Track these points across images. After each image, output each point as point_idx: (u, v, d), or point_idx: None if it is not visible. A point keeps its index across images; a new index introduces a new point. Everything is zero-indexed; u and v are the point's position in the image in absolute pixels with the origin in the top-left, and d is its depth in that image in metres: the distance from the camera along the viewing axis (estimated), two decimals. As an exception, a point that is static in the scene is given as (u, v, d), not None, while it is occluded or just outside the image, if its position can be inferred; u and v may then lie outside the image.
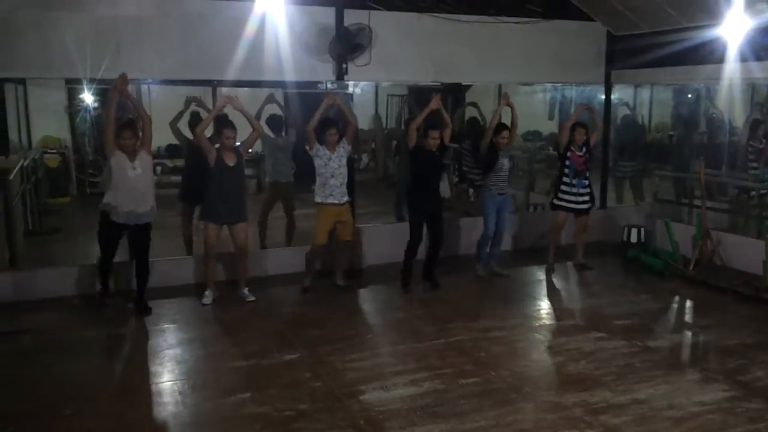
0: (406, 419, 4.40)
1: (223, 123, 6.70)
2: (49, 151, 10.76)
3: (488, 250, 7.82)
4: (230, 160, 6.58)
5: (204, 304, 6.66)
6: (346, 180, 7.05)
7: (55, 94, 12.02)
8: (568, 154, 7.82)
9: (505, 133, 7.50)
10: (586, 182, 7.95)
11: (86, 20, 6.70)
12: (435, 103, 7.08)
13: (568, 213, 7.93)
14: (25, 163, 8.94)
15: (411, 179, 7.26)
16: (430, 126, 7.11)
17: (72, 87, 11.88)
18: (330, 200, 6.93)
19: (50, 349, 5.63)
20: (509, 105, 7.73)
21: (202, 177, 6.78)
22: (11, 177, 7.43)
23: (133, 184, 6.21)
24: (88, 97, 11.66)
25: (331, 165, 6.91)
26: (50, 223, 9.75)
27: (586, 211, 7.97)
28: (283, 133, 8.21)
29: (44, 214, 9.93)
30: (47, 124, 11.97)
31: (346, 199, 7.06)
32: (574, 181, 7.82)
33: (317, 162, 6.92)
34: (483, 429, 4.29)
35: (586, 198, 7.94)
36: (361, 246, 8.00)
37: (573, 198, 7.85)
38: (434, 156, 7.08)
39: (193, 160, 7.35)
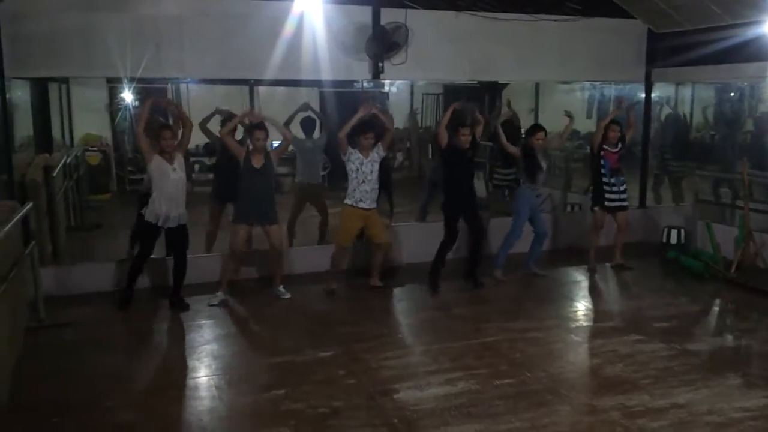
0: (440, 419, 4.38)
1: (253, 124, 6.71)
2: (91, 148, 10.99)
3: (530, 249, 7.71)
4: (257, 162, 6.58)
5: (210, 305, 6.60)
6: (377, 185, 6.96)
7: (96, 92, 12.32)
8: (602, 153, 7.70)
9: (540, 134, 7.41)
10: (623, 179, 7.84)
11: (128, 20, 6.82)
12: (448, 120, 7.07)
13: (608, 213, 7.81)
14: (68, 161, 9.15)
15: (444, 178, 7.23)
16: (461, 123, 7.09)
17: (113, 86, 12.18)
18: (360, 205, 6.87)
19: (90, 343, 5.74)
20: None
21: (232, 176, 6.84)
22: (54, 174, 7.60)
23: (174, 186, 6.31)
24: (128, 96, 11.92)
25: (363, 170, 6.81)
26: (91, 219, 9.98)
27: (625, 208, 7.86)
28: (314, 135, 8.23)
29: (85, 210, 10.16)
30: (89, 122, 12.26)
31: (374, 206, 7.01)
32: (612, 180, 7.71)
33: (349, 166, 6.85)
34: (518, 431, 4.25)
35: (624, 196, 7.84)
36: (395, 245, 8.00)
37: (614, 196, 7.74)
38: (466, 154, 7.04)
39: (223, 159, 7.44)
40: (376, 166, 6.91)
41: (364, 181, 6.84)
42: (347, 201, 6.93)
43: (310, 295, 6.95)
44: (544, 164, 7.45)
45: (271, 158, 6.72)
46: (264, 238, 6.87)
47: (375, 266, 7.24)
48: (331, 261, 7.14)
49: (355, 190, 6.86)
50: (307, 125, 8.25)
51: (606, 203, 7.77)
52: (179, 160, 6.38)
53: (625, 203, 7.86)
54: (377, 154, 6.92)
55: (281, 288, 6.90)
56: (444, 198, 7.25)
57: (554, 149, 7.89)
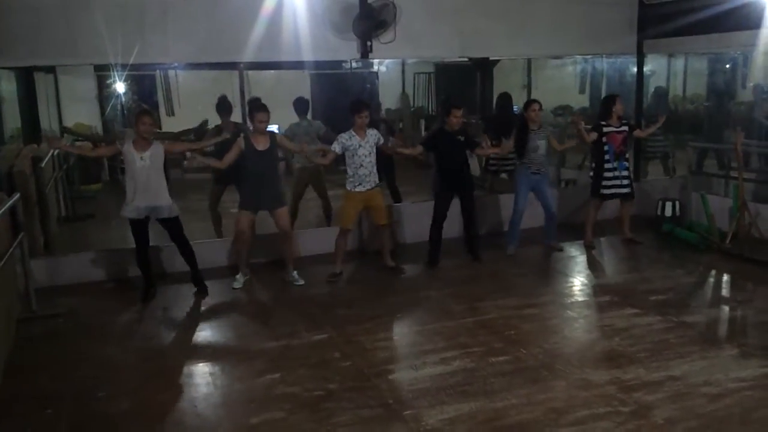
0: (436, 398, 4.37)
1: (255, 107, 6.56)
2: (80, 138, 10.87)
3: (545, 228, 7.78)
4: (261, 145, 6.46)
5: (234, 288, 6.66)
6: (375, 167, 6.88)
7: (84, 81, 12.19)
8: (604, 138, 7.54)
9: (534, 106, 7.36)
10: (627, 164, 7.69)
11: (112, 5, 6.72)
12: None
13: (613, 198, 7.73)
14: (57, 151, 9.05)
15: (435, 161, 7.23)
16: (453, 105, 7.09)
17: (101, 74, 12.04)
18: (358, 189, 6.81)
19: (84, 332, 5.72)
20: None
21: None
22: (43, 164, 7.52)
23: (143, 175, 6.08)
24: (117, 85, 11.80)
25: (360, 153, 6.72)
26: (83, 210, 9.92)
27: (632, 196, 7.77)
28: (308, 116, 8.15)
29: (77, 201, 10.10)
30: (78, 112, 12.14)
31: (375, 182, 6.93)
32: (615, 164, 7.55)
33: (346, 153, 6.76)
34: (514, 407, 4.24)
35: (627, 182, 7.69)
36: (398, 224, 7.98)
37: (615, 182, 7.60)
38: (455, 138, 7.06)
39: (222, 142, 7.34)
40: (374, 150, 6.84)
41: (362, 165, 6.76)
42: (347, 186, 6.87)
43: (308, 278, 6.90)
44: (541, 145, 7.37)
45: (276, 140, 6.62)
46: (270, 221, 6.81)
47: (384, 247, 7.21)
48: (335, 244, 7.07)
49: (353, 175, 6.79)
50: (300, 106, 8.17)
51: (603, 191, 7.66)
52: (155, 150, 6.14)
53: (626, 190, 7.68)
54: (372, 137, 6.84)
55: (295, 273, 6.81)
56: (434, 180, 7.29)
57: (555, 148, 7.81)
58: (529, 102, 7.50)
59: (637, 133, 7.98)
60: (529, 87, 11.40)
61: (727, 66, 10.91)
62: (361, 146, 6.74)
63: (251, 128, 6.60)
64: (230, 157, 6.48)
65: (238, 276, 6.76)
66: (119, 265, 6.99)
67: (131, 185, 6.12)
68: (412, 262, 7.36)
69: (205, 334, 5.67)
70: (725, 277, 6.98)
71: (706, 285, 6.87)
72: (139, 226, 6.24)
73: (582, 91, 12.72)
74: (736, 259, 7.17)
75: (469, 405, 4.26)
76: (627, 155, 7.70)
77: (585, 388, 4.47)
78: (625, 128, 7.63)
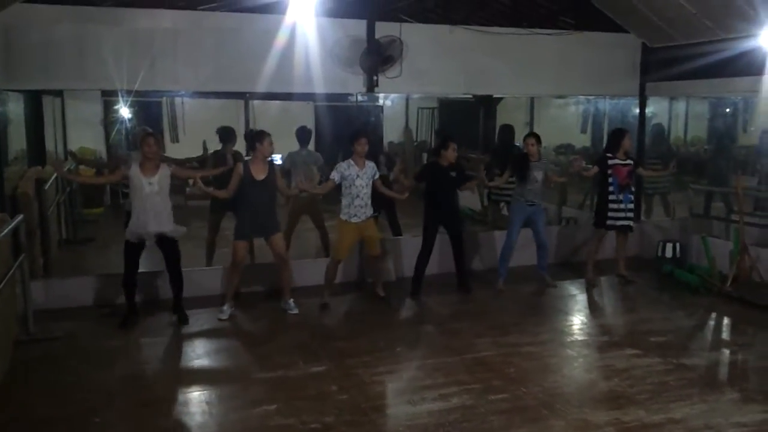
0: (434, 434, 4.33)
1: (262, 133, 6.57)
2: (85, 164, 10.91)
3: (538, 258, 7.80)
4: (259, 174, 6.48)
5: (220, 320, 6.56)
6: (370, 199, 6.92)
7: (91, 106, 12.27)
8: (610, 171, 7.60)
9: (530, 140, 7.46)
10: (631, 197, 7.71)
11: (123, 33, 6.82)
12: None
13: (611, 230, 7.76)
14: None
15: (426, 195, 7.32)
16: (449, 137, 7.26)
17: (108, 99, 12.12)
18: (354, 220, 6.85)
19: (80, 357, 5.68)
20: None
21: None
22: (47, 187, 7.55)
23: (150, 201, 6.10)
24: (123, 111, 11.88)
25: (358, 183, 6.77)
26: (84, 233, 9.91)
27: (630, 228, 7.79)
28: (310, 146, 8.20)
29: (79, 224, 10.09)
30: (83, 136, 12.20)
31: (370, 213, 6.97)
32: (620, 197, 7.59)
33: (343, 183, 6.81)
34: (512, 446, 4.20)
35: (630, 215, 7.73)
36: (391, 258, 7.97)
37: (621, 215, 7.63)
38: (448, 172, 7.18)
39: (222, 173, 7.38)
40: (370, 181, 6.89)
41: (358, 196, 6.80)
42: (342, 216, 6.90)
43: (305, 308, 6.88)
44: (537, 176, 7.43)
45: (275, 169, 6.65)
46: (267, 249, 6.81)
47: (376, 277, 7.30)
48: (325, 274, 7.08)
49: (349, 205, 6.83)
50: (302, 135, 8.22)
51: (609, 222, 7.68)
52: (163, 173, 6.20)
53: (628, 222, 7.70)
54: (371, 168, 6.89)
55: (291, 302, 6.79)
56: (424, 212, 7.36)
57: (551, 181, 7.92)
58: (527, 136, 7.64)
59: (640, 171, 8.03)
60: (531, 125, 11.48)
61: (728, 110, 11.02)
62: (358, 176, 6.78)
63: (248, 157, 6.63)
64: (233, 185, 6.50)
65: (224, 307, 6.65)
66: (117, 290, 6.91)
67: (138, 210, 6.13)
68: (407, 296, 7.36)
69: (201, 362, 5.63)
70: (725, 321, 6.96)
71: (706, 328, 6.84)
72: (135, 249, 6.24)
73: (584, 130, 12.82)
74: (736, 303, 7.16)
75: (468, 442, 4.23)
76: (632, 188, 7.73)
77: (584, 428, 4.42)
78: (630, 162, 7.69)
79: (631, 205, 7.74)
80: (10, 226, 5.46)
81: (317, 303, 7.00)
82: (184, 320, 6.43)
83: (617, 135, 7.75)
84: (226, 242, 7.48)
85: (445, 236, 7.48)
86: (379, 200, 7.68)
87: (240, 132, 7.84)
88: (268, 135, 6.53)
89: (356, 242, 7.07)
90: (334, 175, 6.82)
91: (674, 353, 5.75)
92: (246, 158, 6.93)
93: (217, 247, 7.85)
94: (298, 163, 8.00)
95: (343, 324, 6.69)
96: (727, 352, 6.13)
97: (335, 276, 7.15)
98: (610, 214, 7.65)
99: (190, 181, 6.92)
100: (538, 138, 7.52)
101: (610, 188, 7.62)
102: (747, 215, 7.85)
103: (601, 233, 7.83)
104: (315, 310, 6.90)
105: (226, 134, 7.68)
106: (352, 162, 6.80)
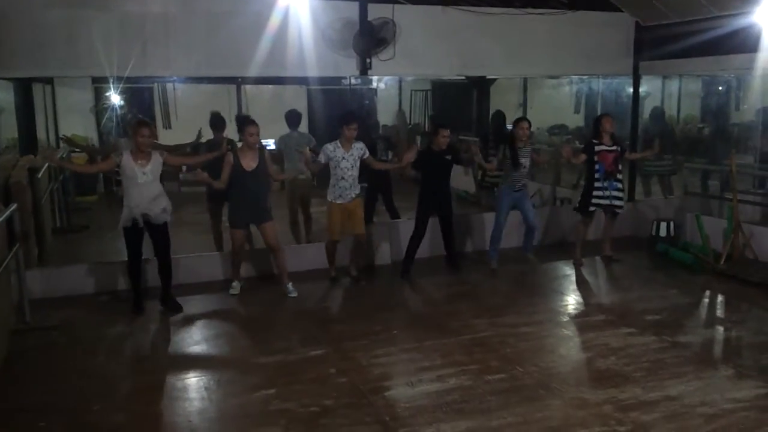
0: (432, 415, 4.35)
1: (245, 121, 6.62)
2: (77, 150, 10.87)
3: (524, 239, 7.87)
4: (249, 164, 6.49)
5: (232, 295, 6.75)
6: (356, 180, 7.00)
7: (81, 93, 12.21)
8: (596, 157, 7.58)
9: (523, 124, 7.44)
10: (619, 185, 7.69)
11: (113, 18, 6.76)
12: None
13: (598, 209, 7.76)
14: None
15: (421, 180, 7.36)
16: (440, 125, 7.31)
17: (98, 86, 12.06)
18: (339, 201, 6.94)
19: (78, 345, 5.68)
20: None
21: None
22: (39, 175, 7.51)
23: (146, 189, 6.08)
24: (114, 97, 11.81)
25: (343, 165, 6.83)
26: (78, 221, 9.89)
27: (616, 212, 7.77)
28: (300, 129, 8.19)
29: (72, 212, 10.06)
30: (75, 124, 12.14)
31: (355, 194, 7.03)
32: (605, 184, 7.58)
33: (330, 163, 6.89)
34: (510, 426, 4.22)
35: (618, 201, 7.69)
36: (385, 241, 7.99)
37: (607, 201, 7.63)
38: (442, 157, 7.22)
39: (214, 158, 7.35)
40: (357, 163, 6.95)
41: (343, 177, 6.87)
42: (329, 197, 7.02)
43: (303, 293, 6.89)
44: (525, 162, 7.44)
45: (265, 158, 6.65)
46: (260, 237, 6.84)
47: (353, 256, 7.39)
48: (326, 253, 7.28)
49: (334, 186, 6.94)
50: (292, 118, 8.19)
51: (592, 208, 7.68)
52: (155, 162, 6.13)
53: (615, 203, 7.66)
54: (357, 150, 6.92)
55: (289, 286, 6.82)
56: (418, 197, 7.41)
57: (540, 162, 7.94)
58: (518, 120, 7.60)
59: (627, 155, 8.02)
60: (524, 106, 11.48)
61: (720, 88, 11.03)
62: (344, 158, 6.85)
63: (240, 144, 6.62)
64: (225, 176, 6.52)
65: (234, 283, 6.84)
66: (113, 277, 6.95)
67: (131, 198, 6.09)
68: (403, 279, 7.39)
69: (199, 347, 5.64)
70: (720, 298, 7.00)
71: (700, 305, 6.88)
72: (134, 236, 6.18)
73: (577, 110, 12.84)
74: (730, 280, 7.20)
75: (466, 423, 4.25)
76: (619, 176, 7.72)
77: (581, 407, 4.46)
78: (617, 148, 7.67)
79: (617, 192, 7.68)
80: (4, 216, 5.44)
81: (313, 287, 7.04)
82: (177, 309, 6.38)
83: (596, 121, 7.78)
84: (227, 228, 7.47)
85: (436, 219, 7.52)
86: (376, 183, 7.72)
87: (232, 119, 7.81)
88: (252, 123, 6.51)
89: (347, 222, 7.10)
90: (321, 157, 6.94)
91: (669, 331, 5.79)
92: (239, 143, 6.90)
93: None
94: (290, 145, 7.98)
95: (341, 307, 6.72)
96: (721, 329, 6.18)
97: (335, 253, 7.26)
98: (593, 201, 7.65)
99: (184, 168, 6.88)
100: (528, 123, 7.53)
101: (597, 174, 7.61)
102: (741, 193, 7.87)
103: (586, 219, 7.85)
104: (311, 294, 6.90)
105: (218, 121, 7.64)
106: (338, 144, 6.87)
